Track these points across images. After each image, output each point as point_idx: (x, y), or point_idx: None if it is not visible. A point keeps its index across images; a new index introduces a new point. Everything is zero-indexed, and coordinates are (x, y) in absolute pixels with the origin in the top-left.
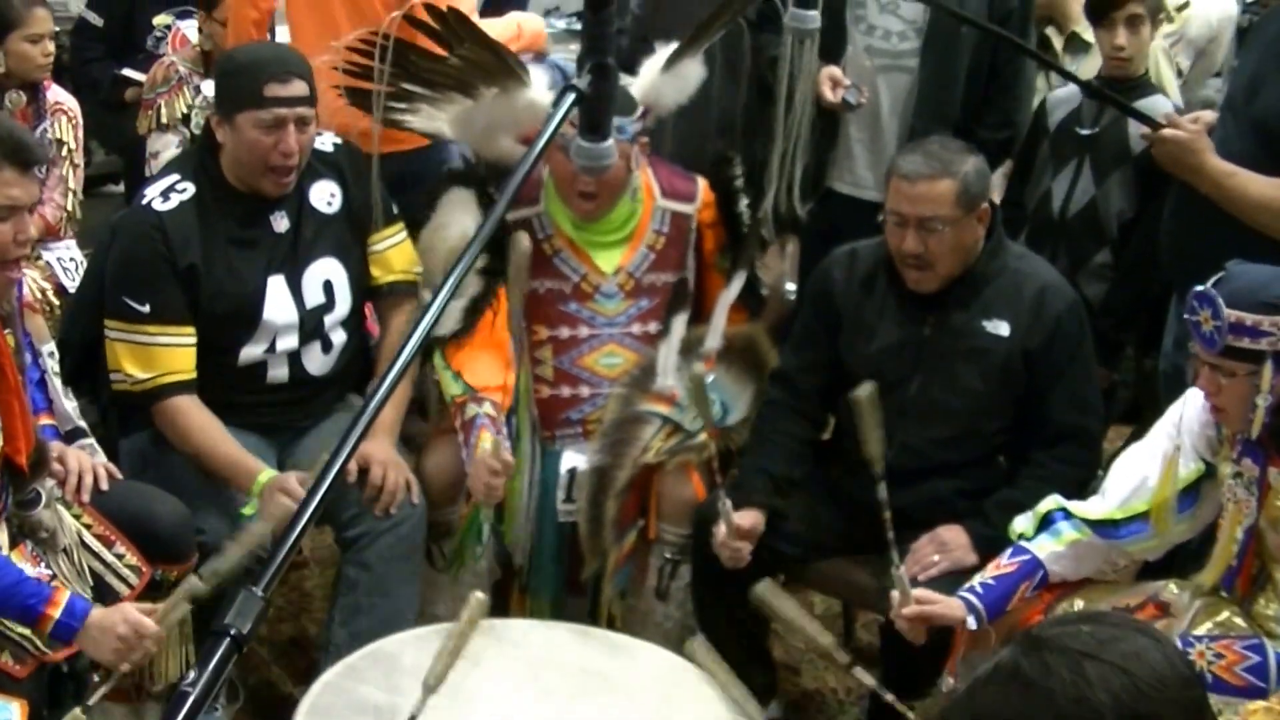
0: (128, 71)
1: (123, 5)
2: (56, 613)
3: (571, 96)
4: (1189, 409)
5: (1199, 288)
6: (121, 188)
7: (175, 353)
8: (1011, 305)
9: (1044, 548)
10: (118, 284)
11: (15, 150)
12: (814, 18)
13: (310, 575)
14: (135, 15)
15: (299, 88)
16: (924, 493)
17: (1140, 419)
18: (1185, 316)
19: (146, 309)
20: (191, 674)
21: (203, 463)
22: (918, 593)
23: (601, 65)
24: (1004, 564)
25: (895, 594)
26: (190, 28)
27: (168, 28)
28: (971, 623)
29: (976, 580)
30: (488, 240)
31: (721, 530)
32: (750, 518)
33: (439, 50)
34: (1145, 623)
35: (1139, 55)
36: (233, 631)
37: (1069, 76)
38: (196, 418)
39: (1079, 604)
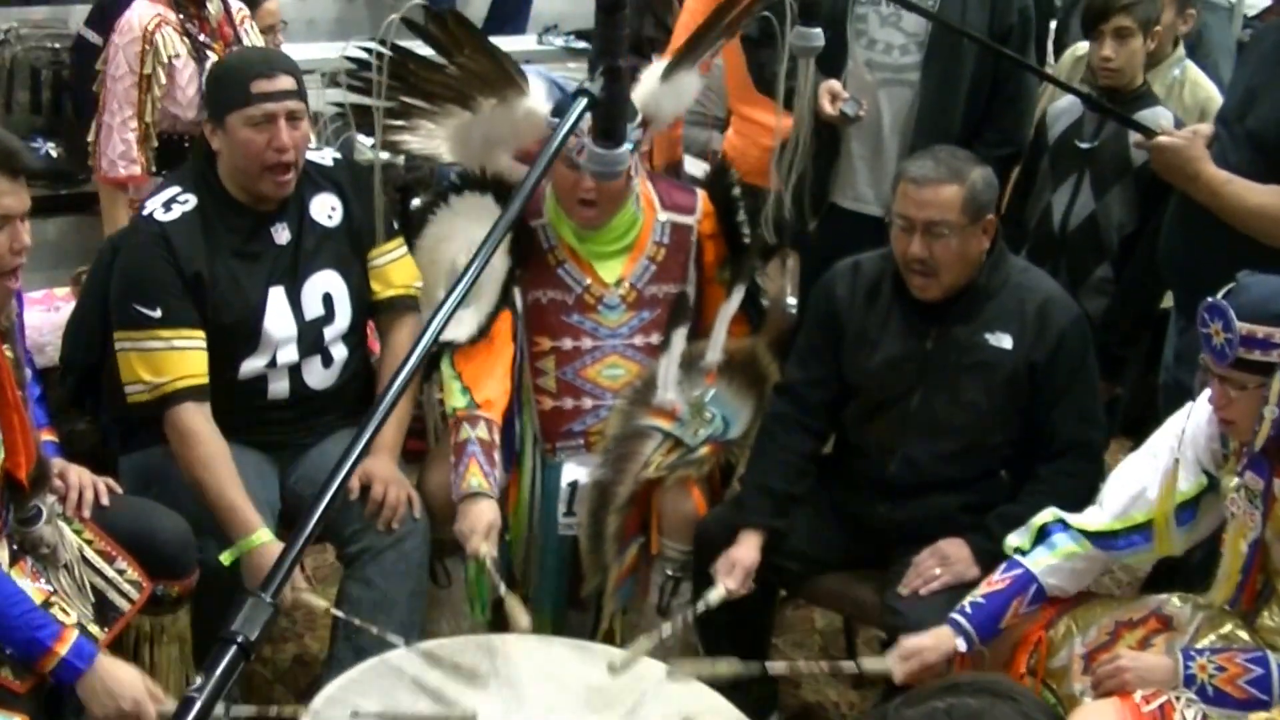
0: None
1: None
2: (64, 650)
3: (584, 101)
4: (1192, 422)
5: (1210, 300)
6: None
7: (187, 356)
8: (1015, 319)
9: (1039, 562)
10: (126, 293)
11: (3, 157)
12: (818, 35)
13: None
14: None
15: (285, 82)
16: (926, 507)
17: (1141, 432)
18: (1198, 329)
19: (158, 314)
20: (198, 679)
21: (199, 493)
22: (902, 644)
23: (614, 69)
24: (995, 580)
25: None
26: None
27: None
28: (962, 645)
29: (967, 600)
30: (503, 246)
31: (712, 598)
32: (749, 547)
33: (438, 59)
34: (1007, 685)
35: (1129, 67)
36: (240, 639)
37: (1068, 89)
38: (206, 447)
39: (1083, 616)
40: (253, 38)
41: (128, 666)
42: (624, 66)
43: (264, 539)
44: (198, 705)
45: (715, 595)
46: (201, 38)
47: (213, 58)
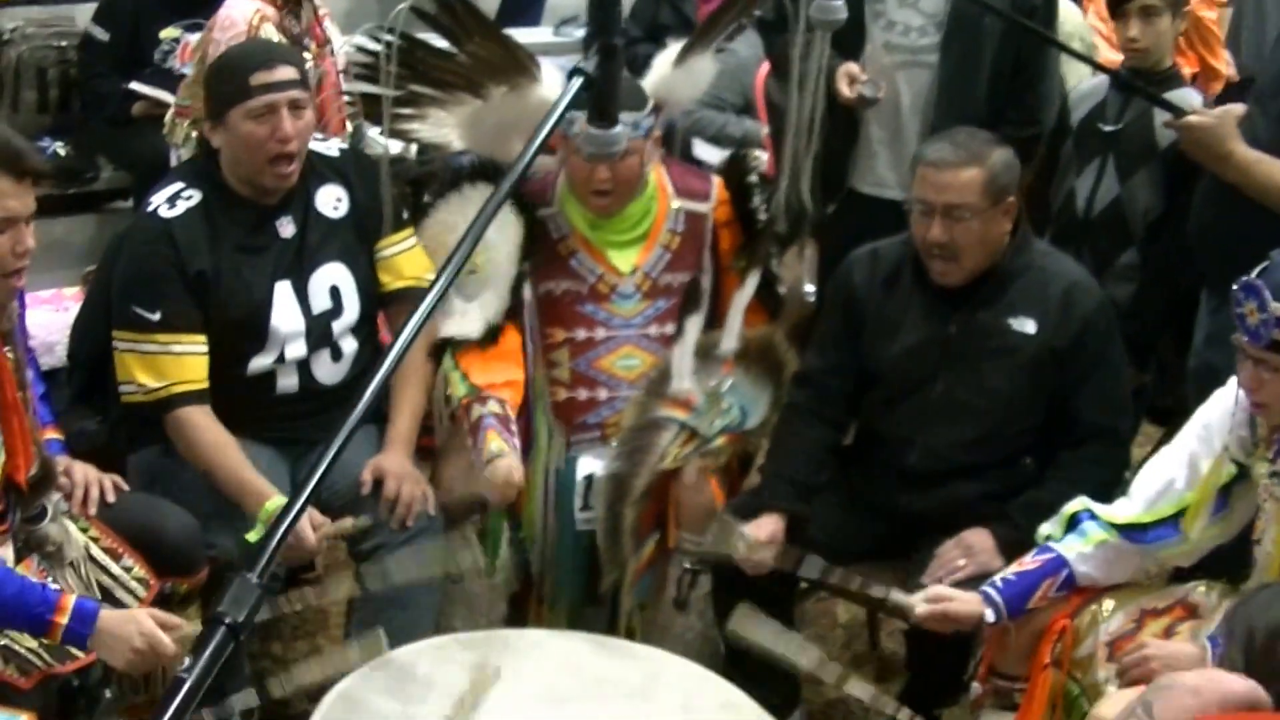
0: (135, 85)
1: (129, 20)
2: (65, 619)
3: (579, 80)
4: (1220, 409)
5: (1245, 279)
6: (130, 204)
7: (186, 361)
8: (1038, 303)
9: (1071, 548)
10: (127, 293)
11: (10, 159)
12: (840, 8)
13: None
14: (142, 29)
15: (286, 73)
16: (949, 496)
17: (1167, 419)
18: (1232, 308)
19: (157, 317)
20: (187, 660)
21: (211, 480)
22: (933, 590)
23: (609, 46)
24: (1027, 561)
25: (909, 600)
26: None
27: (176, 41)
28: (990, 615)
29: (998, 575)
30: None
31: (741, 548)
32: (770, 524)
33: (447, 47)
34: None
35: (1156, 47)
36: (228, 620)
37: (1096, 66)
38: (208, 432)
39: (1109, 604)
40: (334, 33)
41: (131, 612)
42: (619, 44)
43: (280, 502)
44: (187, 686)
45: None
46: (298, 32)
47: (309, 57)
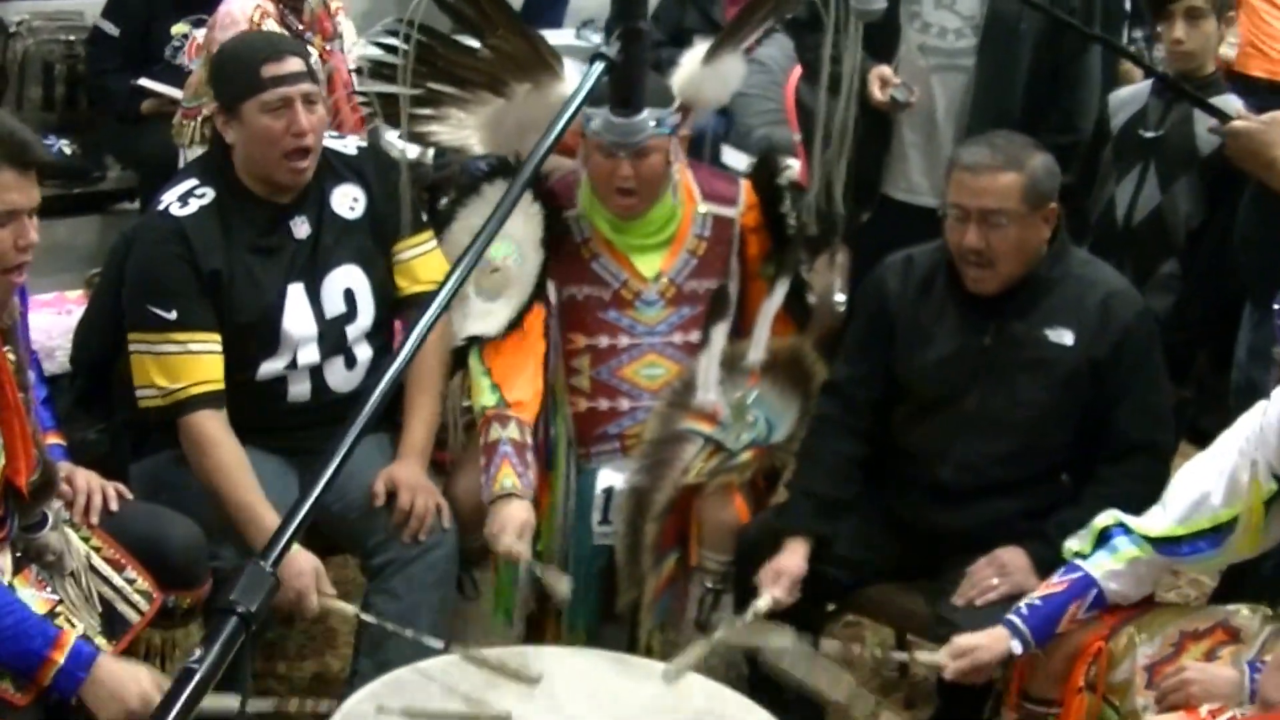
0: (145, 82)
1: (140, 15)
2: (62, 657)
3: (601, 65)
4: (1265, 423)
5: None
6: (137, 205)
7: (203, 360)
8: (1076, 313)
9: (1100, 565)
10: (140, 293)
11: (15, 151)
12: None
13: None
14: (152, 25)
15: (295, 64)
16: (983, 512)
17: (1208, 439)
18: (1274, 322)
19: (173, 315)
20: (198, 651)
21: (221, 506)
22: (954, 642)
23: (633, 30)
24: (1053, 583)
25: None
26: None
27: (185, 37)
28: (1016, 647)
29: (1023, 602)
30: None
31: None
32: (793, 556)
33: (468, 42)
34: None
35: (1201, 50)
36: (239, 609)
37: (1139, 63)
38: (222, 454)
39: (1148, 628)
40: (348, 29)
41: (132, 664)
42: (643, 29)
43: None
44: (198, 677)
45: (762, 604)
46: (300, 29)
47: (313, 51)
